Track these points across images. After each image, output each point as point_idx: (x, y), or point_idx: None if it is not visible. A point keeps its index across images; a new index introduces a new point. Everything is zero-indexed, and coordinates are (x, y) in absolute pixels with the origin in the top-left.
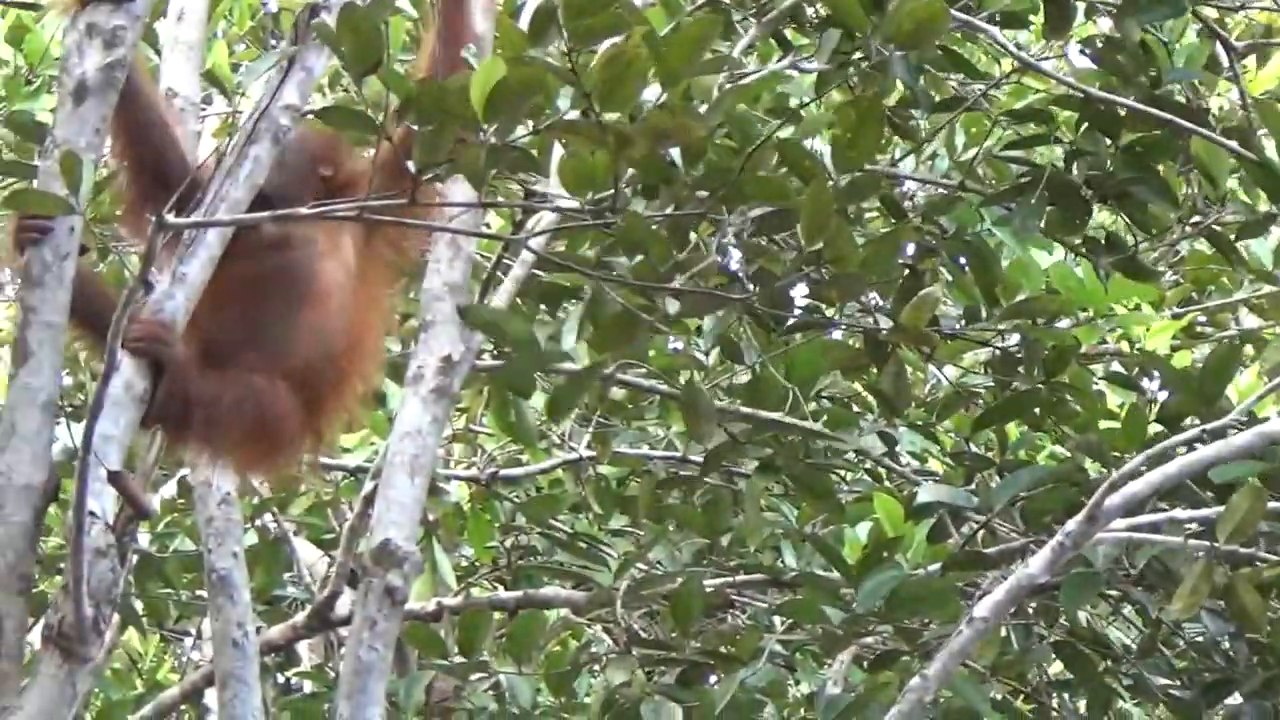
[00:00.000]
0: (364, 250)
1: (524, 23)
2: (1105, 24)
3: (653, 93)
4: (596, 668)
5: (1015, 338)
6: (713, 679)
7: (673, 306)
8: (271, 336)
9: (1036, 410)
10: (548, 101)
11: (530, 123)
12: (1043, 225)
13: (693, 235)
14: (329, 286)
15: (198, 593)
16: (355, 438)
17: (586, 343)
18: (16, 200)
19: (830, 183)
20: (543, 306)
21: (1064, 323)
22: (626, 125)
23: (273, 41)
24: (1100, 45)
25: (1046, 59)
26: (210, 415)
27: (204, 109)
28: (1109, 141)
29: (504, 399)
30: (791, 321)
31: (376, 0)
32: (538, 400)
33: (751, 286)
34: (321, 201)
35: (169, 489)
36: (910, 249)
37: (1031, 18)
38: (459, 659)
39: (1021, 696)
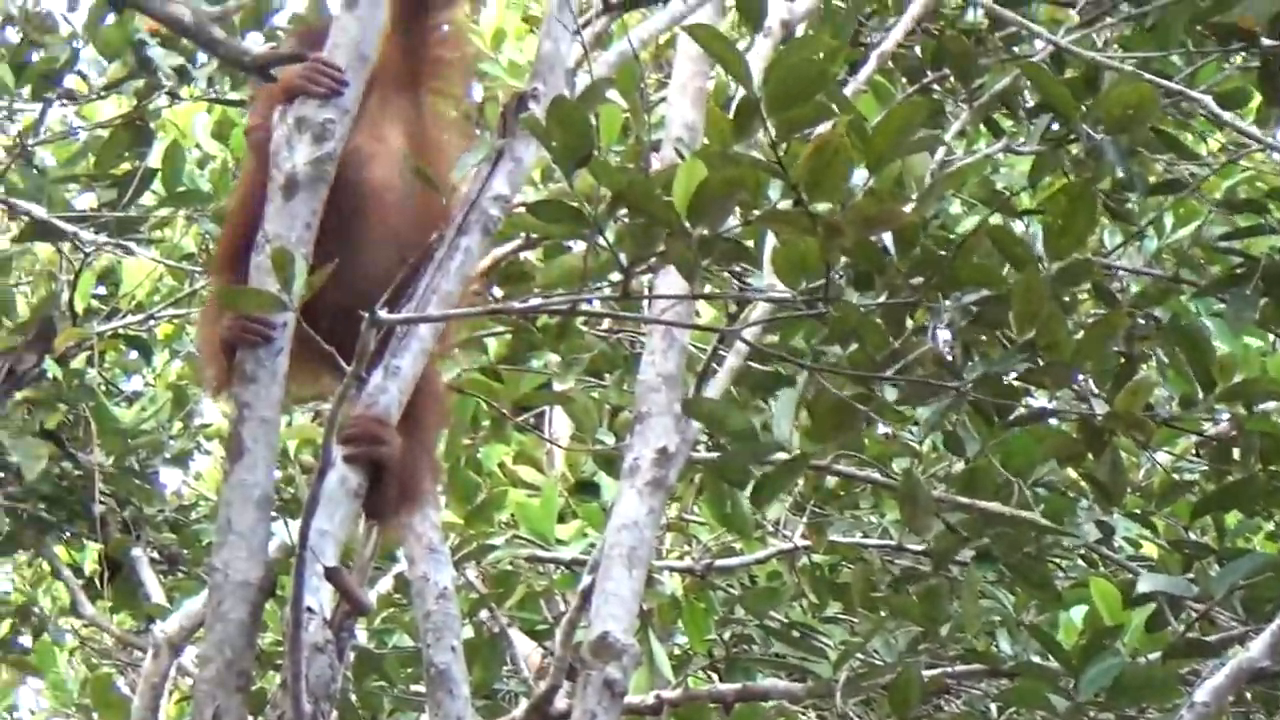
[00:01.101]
0: (415, 118)
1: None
2: None
3: (863, 177)
4: None
5: (1226, 423)
6: None
7: (890, 395)
8: (355, 260)
9: (1254, 497)
10: (756, 196)
11: (740, 212)
12: (1257, 316)
13: (909, 322)
14: (382, 189)
15: (413, 687)
16: (570, 530)
17: (802, 432)
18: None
19: (1042, 269)
20: (757, 400)
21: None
22: (835, 214)
23: (477, 131)
24: None
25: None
26: (425, 489)
27: None
28: None
29: (718, 489)
30: (1012, 413)
31: (585, 91)
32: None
33: (965, 375)
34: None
35: (386, 584)
36: (1123, 335)
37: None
38: None
39: None
